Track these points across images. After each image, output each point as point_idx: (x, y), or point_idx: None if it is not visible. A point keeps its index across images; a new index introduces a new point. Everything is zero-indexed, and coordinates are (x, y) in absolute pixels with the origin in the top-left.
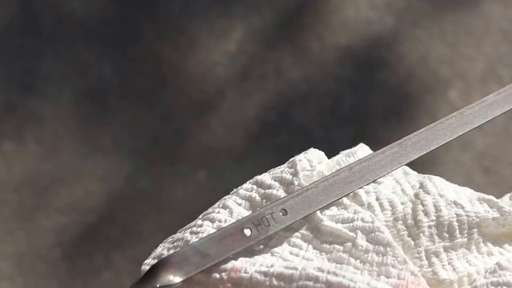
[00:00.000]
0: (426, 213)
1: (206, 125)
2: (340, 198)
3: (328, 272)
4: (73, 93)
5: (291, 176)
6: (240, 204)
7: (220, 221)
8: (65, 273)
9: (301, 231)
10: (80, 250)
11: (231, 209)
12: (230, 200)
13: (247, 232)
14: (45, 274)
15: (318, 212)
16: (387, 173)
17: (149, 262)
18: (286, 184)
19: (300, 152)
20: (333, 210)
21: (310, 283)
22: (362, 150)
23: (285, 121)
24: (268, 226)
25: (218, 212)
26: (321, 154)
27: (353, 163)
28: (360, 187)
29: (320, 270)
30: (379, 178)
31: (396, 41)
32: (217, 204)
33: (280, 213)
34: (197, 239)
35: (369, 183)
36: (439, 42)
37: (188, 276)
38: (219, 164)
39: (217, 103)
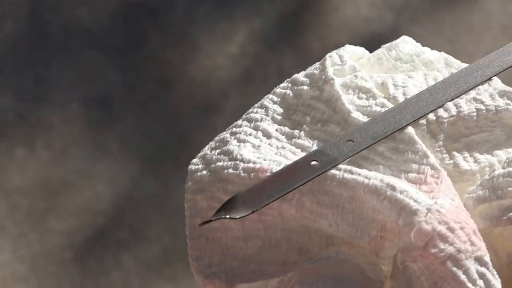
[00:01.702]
0: (446, 109)
1: (211, 127)
2: (404, 127)
3: (345, 171)
4: (81, 100)
5: (318, 71)
6: (275, 102)
7: (256, 120)
8: (76, 274)
9: (329, 123)
10: (91, 251)
11: (267, 107)
12: (267, 99)
13: (314, 163)
14: (58, 275)
15: (346, 102)
16: (459, 94)
17: (195, 161)
18: (315, 80)
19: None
20: (362, 99)
21: (327, 182)
22: (404, 43)
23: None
24: (335, 158)
25: (256, 112)
26: (360, 49)
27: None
28: (427, 113)
29: (338, 169)
30: (451, 100)
31: (395, 38)
32: (257, 104)
33: (346, 144)
34: (234, 138)
35: (438, 107)
36: (438, 38)
37: (254, 210)
38: None
39: (221, 105)
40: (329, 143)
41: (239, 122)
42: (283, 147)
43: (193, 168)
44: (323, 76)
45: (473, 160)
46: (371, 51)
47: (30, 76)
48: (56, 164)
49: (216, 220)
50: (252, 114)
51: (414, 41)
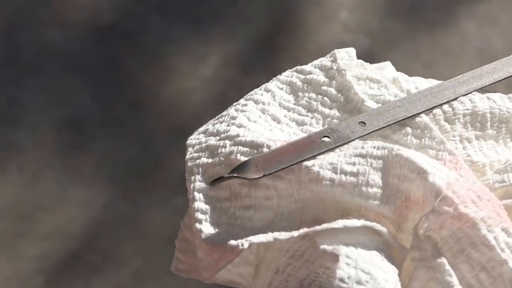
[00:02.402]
0: (462, 102)
1: (184, 150)
2: (418, 113)
3: (373, 147)
4: (53, 122)
5: (330, 63)
6: (281, 89)
7: (263, 103)
8: None
9: (341, 111)
10: (62, 277)
11: (274, 92)
12: (272, 84)
13: (326, 139)
14: None
15: (359, 92)
16: (468, 92)
17: (194, 136)
18: (326, 70)
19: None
20: (374, 89)
21: (357, 146)
22: (389, 68)
23: None
24: (347, 135)
25: (262, 95)
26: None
27: (434, 85)
28: (439, 105)
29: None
30: (460, 96)
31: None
32: (258, 88)
33: (358, 125)
34: (242, 114)
35: (449, 101)
36: (415, 62)
37: (266, 173)
38: None
39: (195, 128)
40: (341, 123)
41: (243, 101)
42: (295, 134)
43: (194, 141)
44: (335, 66)
45: (483, 154)
46: None
47: (1, 97)
48: (28, 188)
49: (228, 179)
50: (257, 96)
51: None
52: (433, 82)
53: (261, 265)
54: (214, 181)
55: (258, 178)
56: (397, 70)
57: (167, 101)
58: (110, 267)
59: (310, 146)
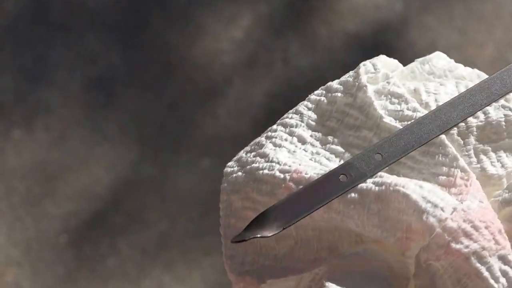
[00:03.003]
0: (475, 116)
1: (212, 112)
2: (433, 138)
3: (373, 183)
4: (81, 82)
5: (352, 79)
6: (310, 109)
7: (292, 126)
8: (71, 260)
9: (362, 129)
10: (86, 237)
11: (302, 113)
12: (302, 105)
13: (343, 178)
14: (52, 261)
15: (378, 108)
16: (477, 110)
17: (231, 164)
18: (349, 87)
19: None
20: (394, 104)
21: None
22: (438, 58)
23: (292, 108)
24: (363, 172)
25: (291, 118)
26: (394, 62)
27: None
28: (449, 128)
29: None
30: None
31: (404, 27)
32: (291, 110)
33: (374, 158)
34: (269, 142)
35: (462, 121)
36: (448, 27)
37: (285, 227)
38: (224, 152)
39: (224, 91)
40: (358, 155)
41: (274, 127)
42: (317, 153)
43: (229, 170)
44: (357, 83)
45: (500, 165)
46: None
47: (30, 55)
48: (54, 147)
49: (248, 239)
50: (287, 120)
51: (447, 57)
52: (459, 87)
53: None
54: (235, 241)
55: (277, 233)
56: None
57: (197, 63)
58: (135, 229)
59: (327, 188)
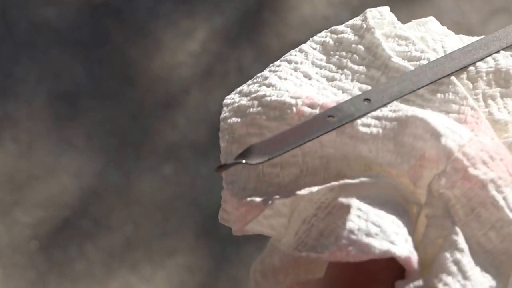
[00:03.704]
0: (485, 62)
1: (171, 121)
2: (425, 86)
3: (389, 110)
4: (47, 95)
5: (360, 21)
6: (315, 49)
7: (296, 62)
8: (42, 264)
9: (370, 68)
10: (56, 242)
11: (307, 52)
12: (306, 45)
13: (330, 119)
14: (24, 266)
15: (386, 48)
16: (477, 60)
17: (231, 96)
18: (356, 29)
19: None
20: (402, 46)
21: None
22: (432, 22)
23: None
24: (351, 114)
25: (295, 55)
26: (394, 17)
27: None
28: (446, 75)
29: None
30: (473, 63)
31: None
32: (293, 49)
33: (365, 103)
34: (274, 74)
35: (459, 70)
36: None
37: (272, 156)
38: (184, 158)
39: (182, 101)
40: (346, 100)
41: (277, 62)
42: (324, 88)
43: (229, 101)
44: (364, 25)
45: (507, 111)
46: None
47: None
48: (22, 157)
49: (232, 165)
50: (291, 57)
51: (440, 24)
52: (463, 39)
53: (294, 214)
54: (220, 168)
55: (263, 162)
56: None
57: (156, 75)
58: (102, 234)
59: (315, 127)
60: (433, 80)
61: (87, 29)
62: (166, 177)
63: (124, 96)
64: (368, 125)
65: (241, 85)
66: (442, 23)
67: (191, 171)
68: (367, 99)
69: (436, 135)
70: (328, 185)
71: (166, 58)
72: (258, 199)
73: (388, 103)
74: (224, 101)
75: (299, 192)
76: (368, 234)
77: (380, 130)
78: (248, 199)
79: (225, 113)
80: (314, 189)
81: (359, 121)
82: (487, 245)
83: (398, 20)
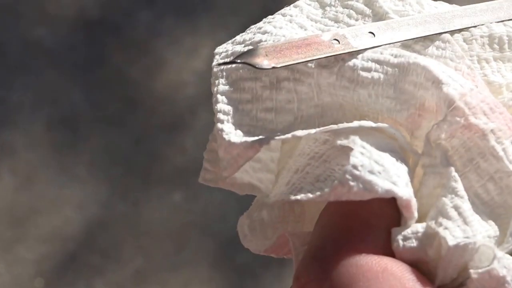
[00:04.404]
0: (478, 28)
1: (179, 145)
2: (433, 34)
3: (391, 54)
4: (44, 122)
5: None
6: (310, 5)
7: (291, 15)
8: None
9: (367, 23)
10: (62, 279)
11: (301, 7)
12: (301, 1)
13: (335, 42)
14: None
15: (383, 5)
16: (491, 21)
17: (222, 46)
18: None
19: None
20: (399, 6)
21: (373, 51)
22: None
23: None
24: (355, 45)
25: (290, 9)
26: None
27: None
28: (450, 31)
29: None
30: (483, 24)
31: None
32: (287, 6)
33: (368, 36)
34: (269, 24)
35: (463, 29)
36: None
37: (276, 66)
38: (195, 184)
39: (189, 123)
40: (351, 29)
41: (271, 16)
42: None
43: (222, 50)
44: None
45: (500, 75)
46: None
47: None
48: (22, 190)
49: (233, 63)
50: (285, 11)
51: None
52: (457, 8)
53: (282, 171)
54: (220, 64)
55: (266, 69)
56: None
57: (160, 96)
58: (111, 267)
59: (320, 46)
60: (440, 31)
61: (83, 49)
62: (176, 204)
63: (127, 119)
64: (369, 70)
65: None
66: None
67: (203, 197)
68: (371, 33)
69: (437, 82)
70: (327, 127)
71: (170, 77)
72: (252, 139)
73: (392, 43)
74: (216, 50)
75: (296, 133)
76: (371, 172)
77: (381, 76)
78: (242, 139)
79: (217, 60)
80: (312, 131)
81: (359, 64)
82: (485, 197)
83: None
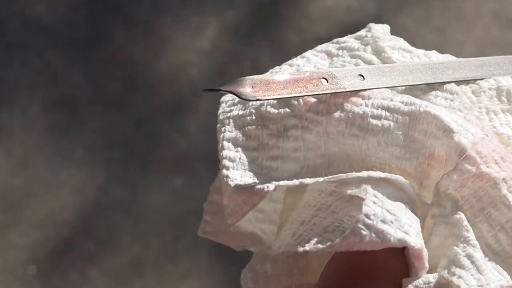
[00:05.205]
0: (486, 81)
1: (181, 128)
2: (424, 84)
3: (401, 102)
4: (42, 102)
5: (365, 32)
6: (316, 56)
7: (298, 65)
8: None
9: (358, 66)
10: (56, 266)
11: (309, 58)
12: (308, 52)
13: (323, 81)
14: None
15: (392, 56)
16: (486, 76)
17: (228, 94)
18: (361, 38)
19: None
20: (407, 58)
21: (383, 97)
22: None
23: None
24: (343, 86)
25: (297, 60)
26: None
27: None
28: (443, 82)
29: (392, 99)
30: (474, 79)
31: None
32: (294, 57)
33: (358, 78)
34: (277, 74)
35: (464, 80)
36: (425, 28)
37: (260, 98)
38: (197, 169)
39: (193, 105)
40: (341, 69)
41: (278, 66)
42: None
43: (227, 99)
44: (369, 35)
45: (509, 127)
46: None
47: None
48: (17, 173)
49: (218, 91)
50: (292, 61)
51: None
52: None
53: (285, 223)
54: (206, 90)
55: (250, 100)
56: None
57: (163, 76)
58: (106, 255)
59: (307, 84)
60: (431, 82)
61: (84, 27)
62: (176, 190)
63: (128, 101)
64: (379, 117)
65: None
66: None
67: (205, 183)
68: (360, 75)
69: (448, 131)
70: (335, 176)
71: (174, 57)
72: (258, 185)
73: (382, 88)
74: (222, 98)
75: (304, 180)
76: (384, 221)
77: (392, 123)
78: (248, 185)
79: (223, 108)
80: (320, 179)
81: (369, 112)
82: (496, 247)
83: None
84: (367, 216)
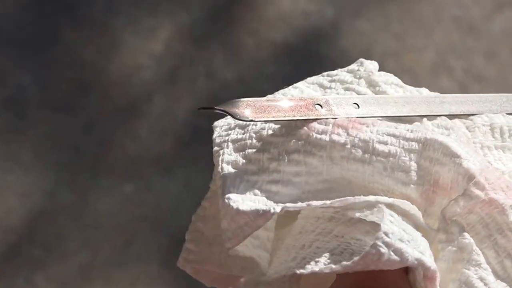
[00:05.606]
0: (480, 117)
1: (132, 133)
2: (418, 115)
3: (406, 129)
4: None
5: (357, 66)
6: (308, 87)
7: (292, 95)
8: None
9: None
10: (0, 272)
11: (301, 89)
12: (300, 83)
13: (318, 107)
14: None
15: (386, 90)
16: (480, 113)
17: (221, 119)
18: (353, 72)
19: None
20: (399, 92)
21: (388, 124)
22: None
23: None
24: (338, 114)
25: (289, 90)
26: None
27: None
28: (438, 115)
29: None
30: (469, 114)
31: (336, 34)
32: (288, 87)
33: (352, 106)
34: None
35: (458, 115)
36: (384, 33)
37: (254, 119)
38: (148, 174)
39: (144, 109)
40: (337, 97)
41: (271, 95)
42: None
43: (221, 123)
44: (362, 69)
45: (502, 163)
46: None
47: None
48: None
49: (212, 109)
50: (285, 90)
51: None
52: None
53: (277, 250)
54: (200, 108)
55: (245, 121)
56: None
57: (114, 80)
58: (54, 261)
59: (302, 108)
60: (428, 114)
61: (34, 28)
62: (126, 196)
63: (77, 104)
64: (385, 143)
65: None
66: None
67: (156, 189)
68: (355, 104)
69: (456, 158)
70: (343, 198)
71: (125, 60)
72: (264, 207)
73: (377, 117)
74: (215, 123)
75: (311, 203)
76: (401, 240)
77: (398, 149)
78: (253, 207)
79: (219, 133)
80: (328, 202)
81: (375, 138)
82: (502, 274)
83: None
84: (386, 234)
